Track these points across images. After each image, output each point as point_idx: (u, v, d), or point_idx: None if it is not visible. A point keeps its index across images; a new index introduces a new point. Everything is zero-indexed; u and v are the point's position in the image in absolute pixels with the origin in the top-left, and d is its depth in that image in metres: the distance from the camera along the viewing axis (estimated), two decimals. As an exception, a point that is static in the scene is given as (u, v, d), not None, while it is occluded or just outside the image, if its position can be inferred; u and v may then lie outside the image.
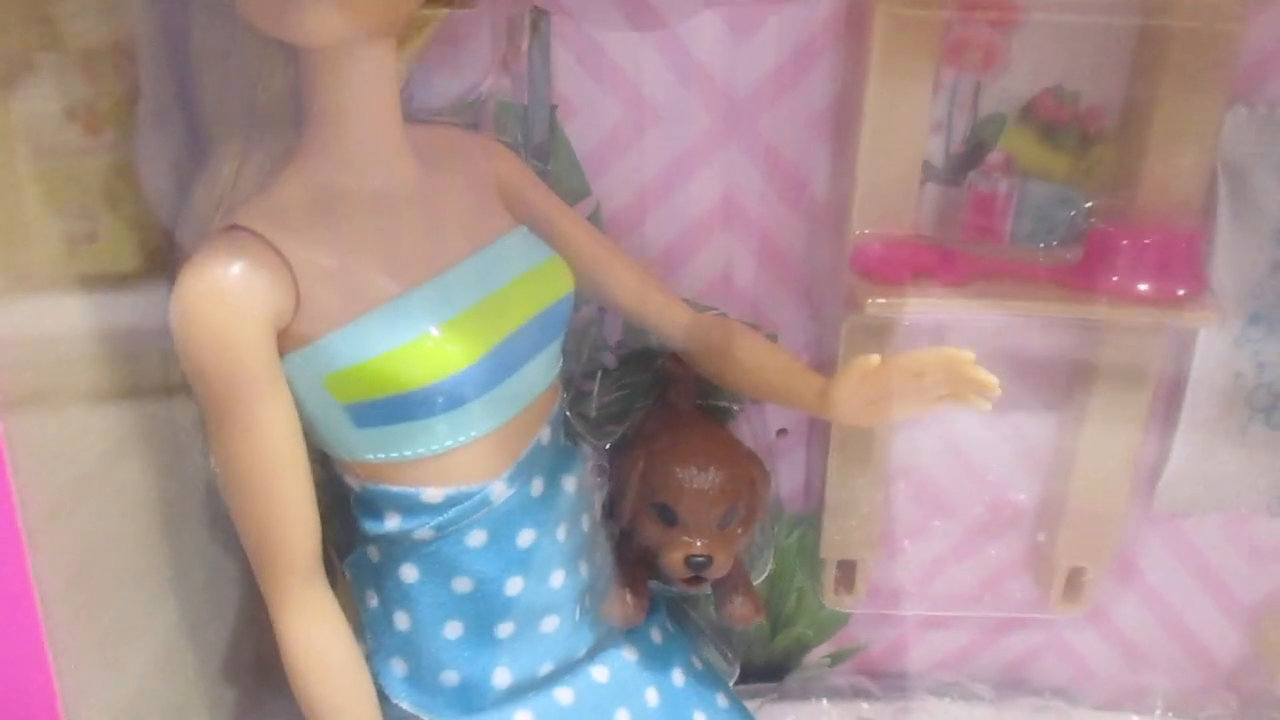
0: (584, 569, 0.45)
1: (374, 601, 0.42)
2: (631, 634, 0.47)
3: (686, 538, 0.43)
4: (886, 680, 0.57)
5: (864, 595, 0.53)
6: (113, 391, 0.38)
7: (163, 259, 0.40)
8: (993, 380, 0.37)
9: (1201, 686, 0.57)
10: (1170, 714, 0.55)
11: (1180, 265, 0.43)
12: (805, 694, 0.55)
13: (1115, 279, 0.42)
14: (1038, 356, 0.51)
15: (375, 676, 0.42)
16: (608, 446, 0.47)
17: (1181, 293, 0.41)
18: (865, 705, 0.55)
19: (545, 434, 0.43)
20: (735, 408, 0.49)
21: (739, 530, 0.44)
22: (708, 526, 0.43)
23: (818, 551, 0.53)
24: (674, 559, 0.43)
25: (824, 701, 0.55)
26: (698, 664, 0.49)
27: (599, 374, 0.49)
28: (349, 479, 0.41)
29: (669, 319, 0.46)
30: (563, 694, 0.44)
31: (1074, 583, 0.53)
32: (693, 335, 0.46)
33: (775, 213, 0.49)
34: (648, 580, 0.47)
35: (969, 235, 0.47)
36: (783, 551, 0.54)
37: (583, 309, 0.49)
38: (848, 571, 0.53)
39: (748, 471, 0.44)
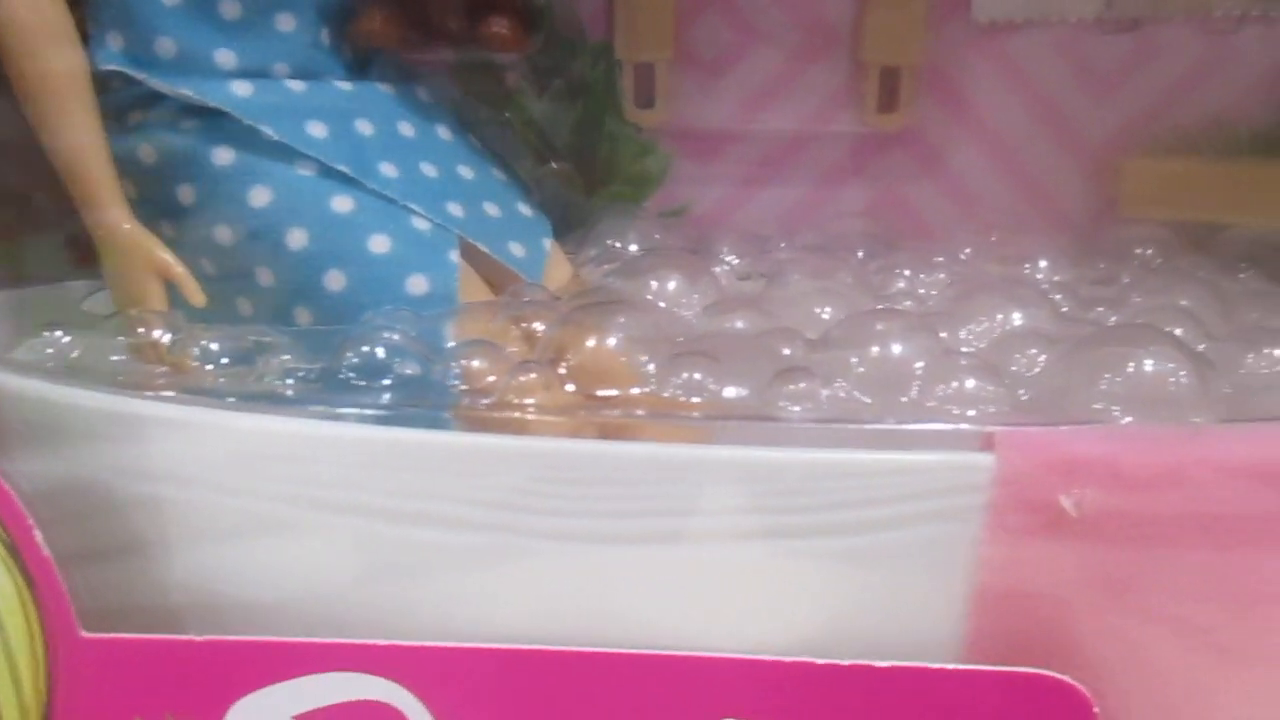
0: (329, -14, 0.43)
1: (94, -18, 0.41)
2: (396, 85, 0.45)
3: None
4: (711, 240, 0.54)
5: (664, 109, 0.50)
6: None
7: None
8: None
9: (1043, 231, 0.53)
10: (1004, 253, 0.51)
11: None
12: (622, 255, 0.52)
13: None
14: None
15: (92, 61, 0.40)
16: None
17: None
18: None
19: None
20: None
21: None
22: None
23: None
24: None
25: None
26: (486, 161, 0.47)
27: None
28: None
29: None
30: (294, 84, 0.42)
31: (888, 88, 0.50)
32: None
33: None
34: (408, 22, 0.45)
35: None
36: (589, 92, 0.53)
37: None
38: (645, 78, 0.50)
39: None
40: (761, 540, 0.31)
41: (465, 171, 0.45)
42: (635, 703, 0.32)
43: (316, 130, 0.41)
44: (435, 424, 0.33)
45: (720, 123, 0.53)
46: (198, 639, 0.32)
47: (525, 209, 0.46)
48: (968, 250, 0.48)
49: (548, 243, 0.46)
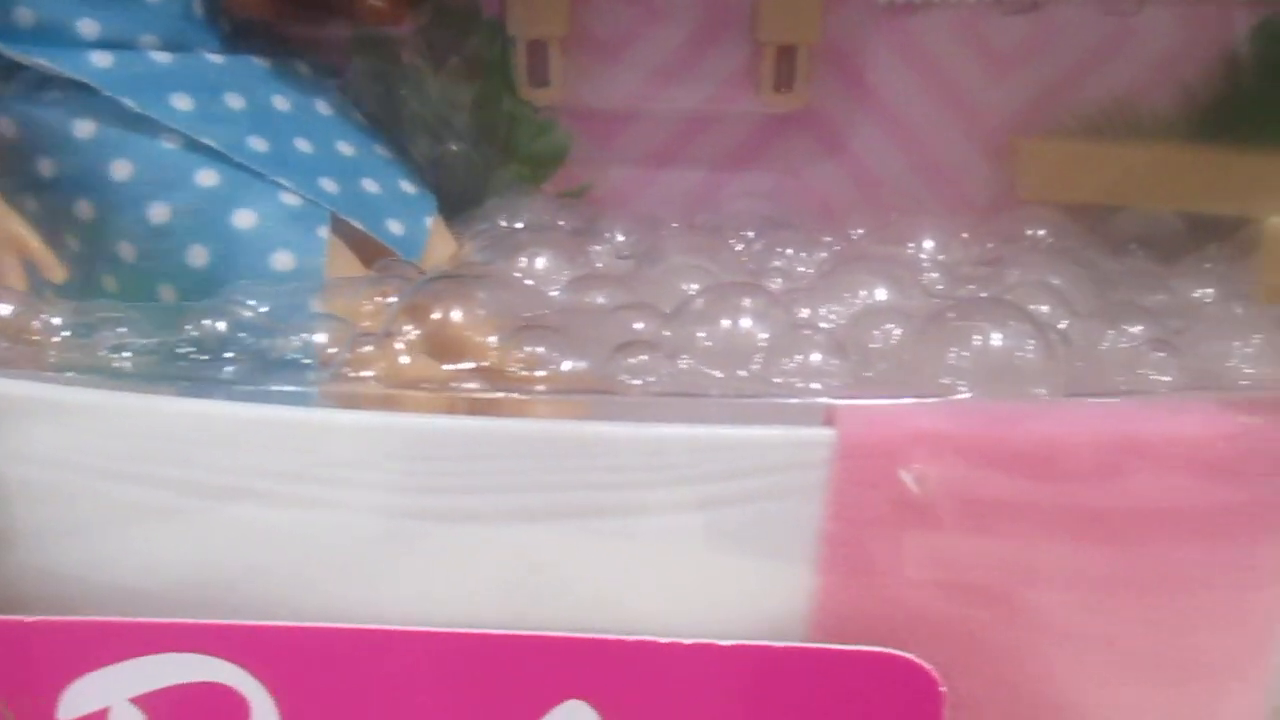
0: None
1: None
2: (275, 59, 0.44)
3: None
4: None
5: (560, 88, 0.50)
6: None
7: None
8: None
9: (944, 213, 0.53)
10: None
11: None
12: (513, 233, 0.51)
13: None
14: None
15: (-48, 29, 0.40)
16: None
17: None
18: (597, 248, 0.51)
19: None
20: None
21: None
22: None
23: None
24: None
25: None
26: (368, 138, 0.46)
27: None
28: None
29: None
30: (160, 56, 0.41)
31: (784, 67, 0.50)
32: None
33: None
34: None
35: None
36: (486, 70, 0.52)
37: None
38: (539, 56, 0.50)
39: None
40: (599, 517, 0.30)
41: (344, 148, 0.44)
42: (477, 683, 0.31)
43: (181, 103, 0.40)
44: (294, 400, 0.33)
45: (619, 102, 0.52)
46: (29, 619, 0.32)
47: (408, 186, 0.45)
48: (860, 231, 0.47)
49: (430, 221, 0.45)
